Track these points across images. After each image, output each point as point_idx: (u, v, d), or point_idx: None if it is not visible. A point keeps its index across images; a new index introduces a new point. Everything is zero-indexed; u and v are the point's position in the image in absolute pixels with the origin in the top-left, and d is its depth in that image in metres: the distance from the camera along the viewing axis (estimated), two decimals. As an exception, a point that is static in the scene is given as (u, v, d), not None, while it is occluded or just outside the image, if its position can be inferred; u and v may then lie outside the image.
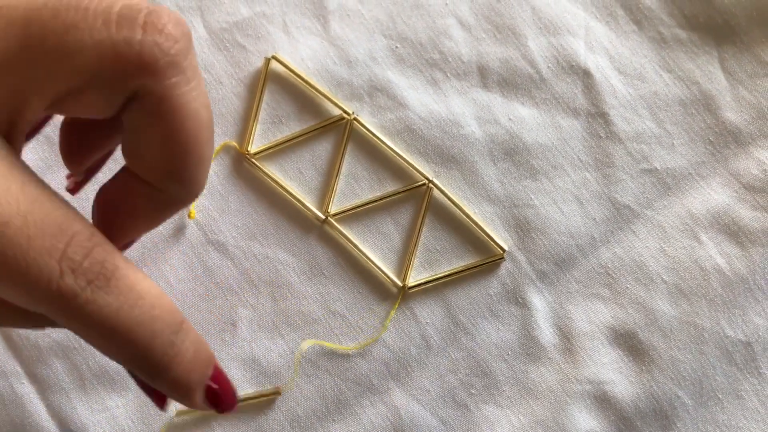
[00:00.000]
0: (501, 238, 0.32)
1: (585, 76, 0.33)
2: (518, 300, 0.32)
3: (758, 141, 0.32)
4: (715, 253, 0.31)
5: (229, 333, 0.31)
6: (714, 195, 0.32)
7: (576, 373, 0.31)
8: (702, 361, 0.31)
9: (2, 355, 0.31)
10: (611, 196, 0.32)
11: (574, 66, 0.33)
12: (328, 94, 0.32)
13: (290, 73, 0.32)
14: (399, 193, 0.32)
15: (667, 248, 0.31)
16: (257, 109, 0.32)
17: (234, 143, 0.32)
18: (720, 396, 0.31)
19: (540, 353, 0.31)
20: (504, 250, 0.31)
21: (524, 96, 0.33)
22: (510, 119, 0.32)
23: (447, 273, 0.32)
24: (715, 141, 0.32)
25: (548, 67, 0.33)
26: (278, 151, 0.33)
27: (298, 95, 0.33)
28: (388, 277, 0.32)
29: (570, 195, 0.32)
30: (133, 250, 0.32)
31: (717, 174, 0.32)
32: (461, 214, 0.32)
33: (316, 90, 0.32)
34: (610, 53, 0.33)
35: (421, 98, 0.33)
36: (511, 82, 0.33)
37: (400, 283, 0.31)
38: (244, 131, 0.33)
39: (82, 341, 0.31)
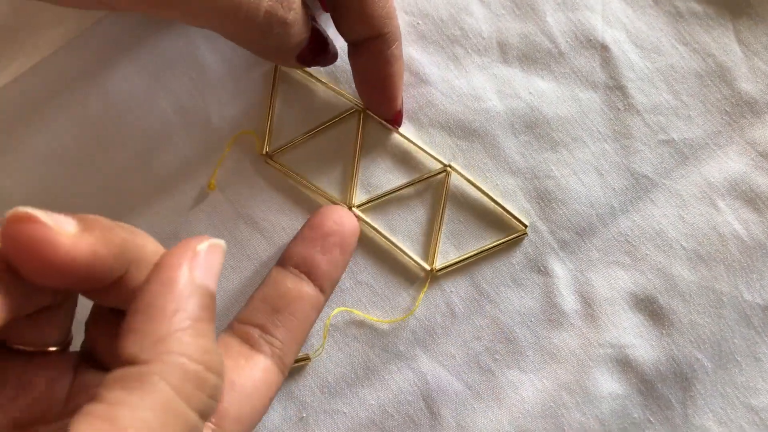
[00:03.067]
0: (523, 211, 0.33)
1: (603, 50, 0.33)
2: (540, 268, 0.32)
3: (774, 110, 0.32)
4: (733, 219, 0.32)
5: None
6: (731, 163, 0.32)
7: (598, 337, 0.32)
8: (721, 325, 0.32)
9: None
10: (630, 166, 0.33)
11: (592, 40, 0.33)
12: (337, 89, 0.33)
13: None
14: (419, 180, 0.33)
15: (685, 216, 0.32)
16: (272, 105, 0.33)
17: (252, 132, 0.33)
18: (738, 358, 0.31)
19: (562, 319, 0.32)
20: (526, 226, 0.32)
21: (544, 70, 0.33)
22: (530, 93, 0.33)
23: (473, 252, 0.32)
24: (731, 111, 0.33)
25: (567, 41, 0.33)
26: (296, 146, 0.33)
27: (310, 89, 0.34)
28: (416, 263, 0.32)
29: (590, 166, 0.33)
30: (165, 224, 0.33)
31: (733, 143, 0.33)
32: (482, 194, 0.33)
33: (326, 85, 0.33)
34: (627, 27, 0.33)
35: (442, 74, 0.33)
36: (530, 57, 0.33)
37: (428, 267, 0.32)
38: (261, 128, 0.33)
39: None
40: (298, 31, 0.27)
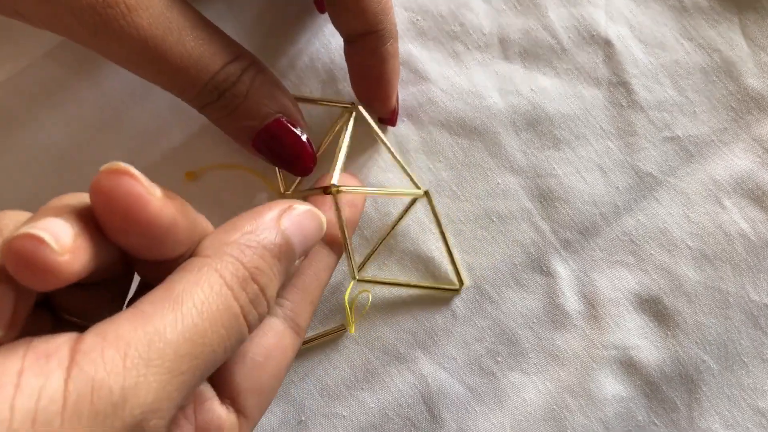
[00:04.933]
0: (524, 211, 0.32)
1: (606, 45, 0.33)
2: (543, 269, 0.32)
3: (781, 107, 0.32)
4: (739, 218, 0.31)
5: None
6: (737, 161, 0.32)
7: (601, 339, 0.31)
8: (727, 326, 0.31)
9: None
10: (634, 164, 0.32)
11: (595, 36, 0.33)
12: (325, 100, 0.32)
13: None
14: (395, 194, 0.32)
15: (690, 214, 0.32)
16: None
17: (258, 173, 0.32)
18: (745, 360, 0.31)
19: (565, 320, 0.31)
20: (462, 284, 0.31)
21: (546, 66, 0.33)
22: (532, 90, 0.33)
23: (402, 282, 0.31)
24: (737, 107, 0.32)
25: (569, 37, 0.33)
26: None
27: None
28: (352, 267, 0.30)
29: (593, 164, 0.32)
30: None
31: (739, 140, 0.32)
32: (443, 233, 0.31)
33: (316, 101, 0.32)
34: (631, 22, 0.33)
35: (442, 71, 0.33)
36: (532, 53, 0.33)
37: (356, 275, 0.30)
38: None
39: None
40: (241, 115, 0.27)
